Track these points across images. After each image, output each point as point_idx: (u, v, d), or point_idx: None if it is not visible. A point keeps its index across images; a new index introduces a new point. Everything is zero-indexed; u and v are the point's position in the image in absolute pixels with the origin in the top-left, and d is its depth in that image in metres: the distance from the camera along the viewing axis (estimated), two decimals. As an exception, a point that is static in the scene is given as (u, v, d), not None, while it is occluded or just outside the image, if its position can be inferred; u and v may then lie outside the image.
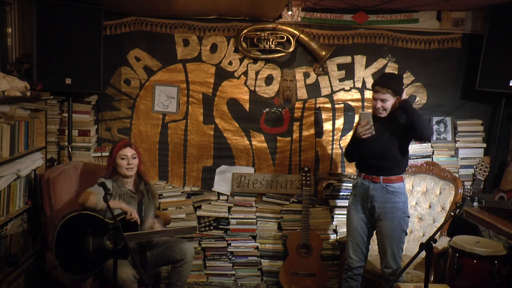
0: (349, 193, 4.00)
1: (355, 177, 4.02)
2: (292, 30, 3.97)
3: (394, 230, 3.10)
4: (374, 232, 3.26)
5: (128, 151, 3.22)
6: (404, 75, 4.06)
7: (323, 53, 3.96)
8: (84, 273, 2.96)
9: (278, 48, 3.98)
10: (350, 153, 3.30)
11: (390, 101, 3.08)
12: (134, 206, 3.19)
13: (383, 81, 3.10)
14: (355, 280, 3.26)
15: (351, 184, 4.03)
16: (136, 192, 3.27)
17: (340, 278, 3.72)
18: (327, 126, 4.14)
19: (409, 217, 3.19)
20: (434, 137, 4.10)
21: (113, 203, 3.09)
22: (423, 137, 3.20)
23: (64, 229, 2.95)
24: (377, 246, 3.30)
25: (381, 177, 3.12)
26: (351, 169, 4.16)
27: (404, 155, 3.17)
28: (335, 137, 4.15)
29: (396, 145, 3.10)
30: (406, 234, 3.20)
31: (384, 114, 3.12)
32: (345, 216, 4.03)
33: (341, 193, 4.06)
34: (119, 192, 3.20)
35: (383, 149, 3.10)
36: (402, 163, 3.17)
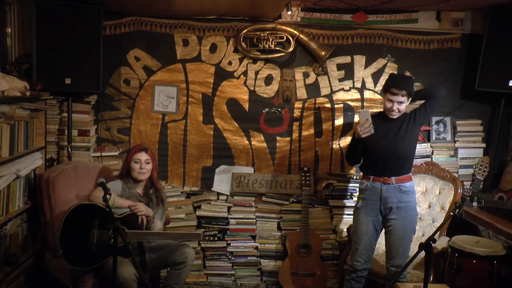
0: (350, 193, 4.02)
1: (357, 177, 4.03)
2: (292, 30, 3.97)
3: (406, 229, 3.14)
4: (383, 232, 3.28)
5: (143, 156, 3.29)
6: (404, 75, 4.08)
7: (323, 53, 3.96)
8: (85, 265, 2.97)
9: (277, 48, 3.98)
10: (352, 155, 3.29)
11: (405, 103, 3.10)
12: None
13: (400, 84, 3.08)
14: (358, 282, 3.26)
15: (350, 184, 4.05)
16: (144, 196, 3.30)
17: (340, 278, 3.73)
18: (327, 126, 4.13)
19: (418, 215, 3.25)
20: (434, 137, 4.11)
21: (123, 202, 3.14)
22: (439, 96, 3.20)
23: (72, 217, 2.98)
24: (377, 246, 3.30)
25: (393, 178, 3.13)
26: (350, 169, 4.16)
27: (413, 153, 3.23)
28: (334, 137, 4.15)
29: (406, 144, 3.13)
30: (414, 233, 3.26)
31: (396, 116, 3.13)
32: (344, 216, 4.07)
33: (340, 193, 4.06)
34: (128, 193, 3.24)
35: (395, 148, 3.11)
36: (411, 161, 3.22)
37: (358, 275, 3.24)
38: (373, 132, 3.06)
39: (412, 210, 3.17)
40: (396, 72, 4.02)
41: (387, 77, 4.00)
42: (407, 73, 4.05)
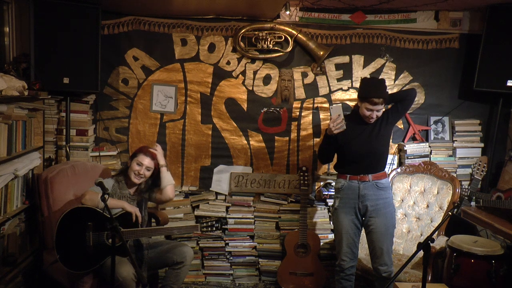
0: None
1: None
2: (290, 30, 3.97)
3: (388, 226, 3.17)
4: (363, 232, 3.30)
5: (146, 161, 3.24)
6: (402, 75, 4.08)
7: (321, 53, 3.96)
8: (84, 268, 2.97)
9: (276, 48, 3.98)
10: (325, 153, 3.31)
11: (382, 109, 3.15)
12: (134, 205, 3.21)
13: (379, 92, 3.07)
14: (348, 280, 3.29)
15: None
16: (134, 195, 3.29)
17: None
18: (325, 125, 4.13)
19: (395, 210, 3.31)
20: (432, 136, 4.11)
21: (115, 202, 3.12)
22: (412, 98, 3.26)
23: (66, 222, 2.97)
24: (366, 245, 3.31)
25: (370, 175, 3.16)
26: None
27: (387, 151, 3.29)
28: (333, 137, 4.14)
29: (380, 143, 3.18)
30: (395, 227, 3.30)
31: (374, 120, 3.16)
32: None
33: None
34: (119, 194, 3.22)
35: (370, 147, 3.15)
36: (386, 159, 3.29)
37: (346, 274, 3.27)
38: (345, 127, 3.09)
39: (390, 206, 3.21)
40: (394, 71, 4.03)
41: (386, 77, 4.05)
42: (405, 73, 4.07)
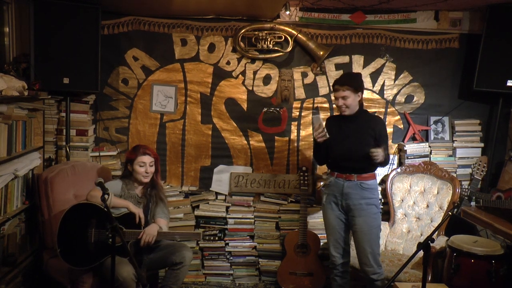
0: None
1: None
2: (290, 30, 3.97)
3: (371, 226, 3.16)
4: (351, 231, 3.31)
5: (147, 159, 3.26)
6: (402, 75, 4.08)
7: (321, 53, 3.96)
8: (83, 265, 2.97)
9: (276, 48, 3.98)
10: (317, 156, 3.36)
11: (351, 97, 3.13)
12: (139, 207, 3.21)
13: (341, 80, 3.17)
14: (343, 277, 3.31)
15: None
16: (142, 197, 3.30)
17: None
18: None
19: (381, 212, 3.29)
20: (432, 136, 4.11)
21: (120, 201, 3.13)
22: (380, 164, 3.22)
23: (70, 216, 2.98)
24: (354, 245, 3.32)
25: (355, 175, 3.17)
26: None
27: None
28: (333, 137, 4.14)
29: (365, 145, 3.12)
30: (380, 230, 3.28)
31: (347, 111, 3.16)
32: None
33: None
34: (128, 194, 3.23)
35: (353, 150, 3.15)
36: (372, 162, 3.21)
37: (339, 270, 3.29)
38: (328, 136, 3.11)
39: (373, 206, 3.19)
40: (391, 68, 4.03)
41: (385, 77, 4.06)
42: (405, 73, 4.07)
